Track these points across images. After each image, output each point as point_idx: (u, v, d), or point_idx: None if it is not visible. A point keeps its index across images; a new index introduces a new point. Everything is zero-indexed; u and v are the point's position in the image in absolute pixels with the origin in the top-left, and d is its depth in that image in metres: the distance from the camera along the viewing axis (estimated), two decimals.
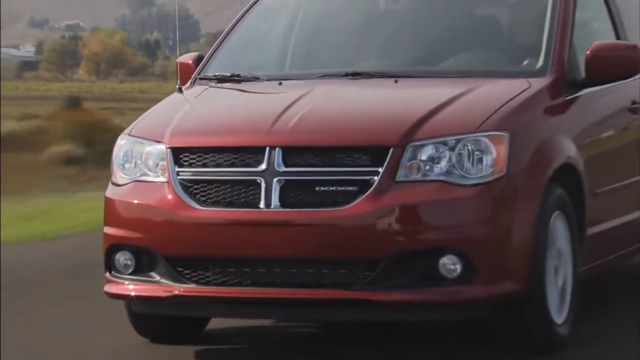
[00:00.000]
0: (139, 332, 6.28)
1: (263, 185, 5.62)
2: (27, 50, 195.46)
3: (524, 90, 5.99)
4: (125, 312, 6.19)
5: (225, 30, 7.01)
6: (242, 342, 6.41)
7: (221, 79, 6.60)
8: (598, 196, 6.30)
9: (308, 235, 5.55)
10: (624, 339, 6.19)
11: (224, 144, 5.76)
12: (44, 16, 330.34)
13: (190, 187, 5.75)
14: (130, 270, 5.89)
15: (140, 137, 6.01)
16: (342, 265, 5.55)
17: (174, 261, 5.75)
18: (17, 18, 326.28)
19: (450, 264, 5.51)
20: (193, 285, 5.72)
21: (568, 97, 6.21)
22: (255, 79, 6.57)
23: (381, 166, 5.54)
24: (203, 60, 6.80)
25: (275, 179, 5.61)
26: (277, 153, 5.62)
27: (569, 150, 6.01)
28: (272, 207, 5.60)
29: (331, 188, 5.57)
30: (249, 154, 5.69)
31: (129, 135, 6.07)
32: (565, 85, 6.21)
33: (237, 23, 7.02)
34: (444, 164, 5.57)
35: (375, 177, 5.53)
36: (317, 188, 5.58)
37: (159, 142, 5.90)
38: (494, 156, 5.59)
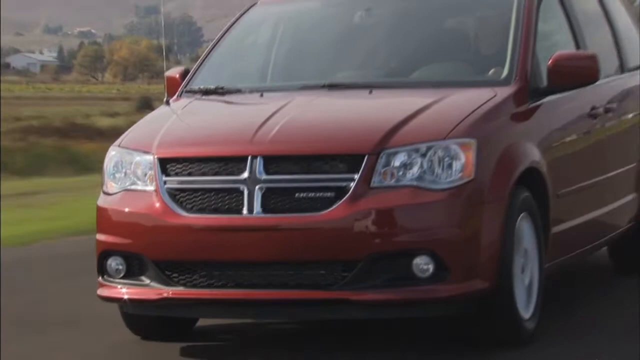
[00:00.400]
0: (131, 330, 6.13)
1: (246, 192, 5.47)
2: (50, 55, 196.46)
3: (490, 99, 5.84)
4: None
5: (210, 46, 6.88)
6: (227, 339, 6.25)
7: (206, 92, 6.44)
8: (561, 197, 6.16)
9: (288, 239, 5.41)
10: (589, 333, 6.05)
11: (209, 154, 5.61)
12: (58, 23, 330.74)
13: (177, 195, 5.60)
14: (121, 275, 5.74)
15: (130, 148, 5.86)
16: (321, 267, 5.41)
17: (163, 265, 5.61)
18: (34, 25, 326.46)
19: (423, 264, 5.36)
20: (181, 288, 5.57)
21: (532, 105, 6.06)
22: (238, 91, 6.42)
23: (357, 173, 5.39)
24: (189, 74, 6.66)
25: (257, 187, 5.46)
26: (259, 162, 5.47)
27: (533, 154, 5.87)
28: (254, 213, 5.45)
29: (310, 194, 5.42)
30: (232, 163, 5.54)
31: (119, 146, 5.92)
32: (528, 93, 6.06)
33: (220, 39, 6.87)
34: (415, 169, 5.43)
35: (351, 184, 5.38)
36: (296, 194, 5.44)
37: (147, 152, 5.75)
38: (462, 162, 5.45)
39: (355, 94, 6.13)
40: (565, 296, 6.85)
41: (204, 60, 6.74)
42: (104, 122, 34.08)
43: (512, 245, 5.59)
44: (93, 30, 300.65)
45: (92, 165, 18.92)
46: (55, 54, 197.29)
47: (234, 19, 6.96)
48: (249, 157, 5.48)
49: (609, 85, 7.01)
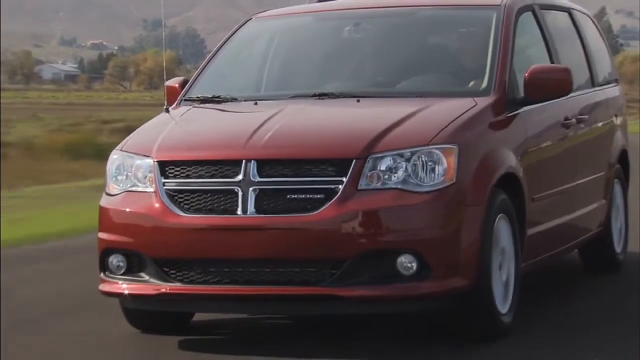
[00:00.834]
0: (132, 323, 5.99)
1: (240, 194, 5.34)
2: (71, 66, 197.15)
3: (470, 108, 5.72)
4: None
5: (207, 58, 6.76)
6: (222, 333, 6.11)
7: (203, 100, 6.31)
8: (536, 201, 6.05)
9: (280, 238, 5.29)
10: (562, 327, 5.93)
11: (205, 158, 5.49)
12: (72, 36, 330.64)
13: (175, 196, 5.47)
14: (122, 271, 5.62)
15: (131, 152, 5.73)
16: (310, 265, 5.29)
17: (161, 262, 5.48)
18: (50, 37, 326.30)
19: (407, 263, 5.25)
20: (178, 284, 5.45)
21: (509, 114, 5.94)
22: (234, 99, 6.28)
23: (345, 176, 5.27)
24: (188, 84, 6.53)
25: (250, 189, 5.33)
26: (253, 165, 5.35)
27: (511, 160, 5.75)
28: (248, 213, 5.32)
29: (301, 196, 5.30)
30: (227, 166, 5.41)
31: (120, 150, 5.81)
32: (506, 103, 5.93)
33: (218, 50, 6.74)
34: (400, 173, 5.31)
35: (340, 186, 5.27)
36: (288, 196, 5.32)
37: (147, 156, 5.62)
38: (445, 166, 5.34)
39: (344, 103, 6.00)
40: (538, 293, 6.72)
41: (202, 70, 6.62)
42: None
43: (491, 245, 5.48)
44: (105, 42, 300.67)
45: None
46: (75, 65, 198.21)
47: (230, 32, 6.84)
48: (243, 161, 5.37)
49: (580, 97, 6.90)
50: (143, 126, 6.13)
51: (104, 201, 5.74)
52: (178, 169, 5.50)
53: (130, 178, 5.64)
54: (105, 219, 5.68)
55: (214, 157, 5.46)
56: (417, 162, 5.32)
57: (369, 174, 5.29)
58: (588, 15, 7.77)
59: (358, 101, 5.96)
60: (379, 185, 5.29)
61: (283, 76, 6.61)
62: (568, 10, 7.37)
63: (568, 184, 6.58)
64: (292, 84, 6.46)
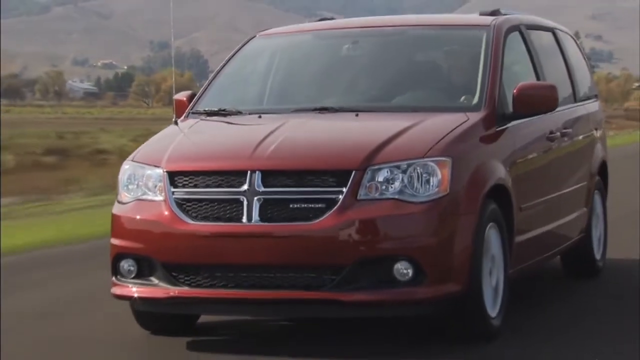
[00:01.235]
0: (141, 325, 5.83)
1: (245, 203, 5.20)
2: (88, 83, 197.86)
3: (462, 123, 5.58)
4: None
5: (213, 73, 6.59)
6: (228, 334, 5.94)
7: (210, 113, 6.16)
8: (523, 210, 5.91)
9: (283, 245, 5.14)
10: (549, 330, 5.80)
11: (212, 168, 5.35)
12: (84, 57, 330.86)
13: (183, 205, 5.33)
14: (133, 275, 5.47)
15: (142, 163, 5.58)
16: (312, 270, 5.15)
17: (170, 267, 5.34)
18: (64, 58, 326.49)
19: (403, 269, 5.11)
20: (186, 288, 5.31)
21: (499, 128, 5.80)
22: (239, 112, 6.13)
23: (345, 186, 5.14)
24: (195, 98, 6.38)
25: (255, 198, 5.19)
26: (257, 176, 5.21)
27: (500, 172, 5.61)
28: (252, 221, 5.18)
29: (303, 205, 5.16)
30: (233, 176, 5.27)
31: (132, 161, 5.66)
32: (496, 118, 5.80)
33: (223, 67, 6.59)
34: (397, 184, 5.17)
35: (340, 196, 5.13)
36: (291, 205, 5.17)
37: (157, 166, 5.47)
38: (439, 178, 5.20)
39: (343, 117, 5.84)
40: (523, 298, 6.57)
41: (209, 85, 6.47)
42: None
43: (482, 252, 5.35)
44: (114, 62, 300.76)
45: None
46: (92, 83, 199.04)
47: (235, 49, 6.70)
48: (249, 172, 5.23)
49: (564, 112, 6.77)
50: (153, 138, 5.97)
51: (116, 209, 5.59)
52: (186, 178, 5.36)
53: (141, 187, 5.49)
54: (117, 226, 5.54)
55: (220, 167, 5.32)
56: (413, 173, 5.19)
57: (367, 184, 5.15)
58: (570, 35, 7.67)
59: (356, 115, 5.81)
60: (377, 195, 5.15)
61: (285, 91, 6.46)
62: (552, 30, 7.26)
63: (553, 193, 6.45)
64: (294, 99, 6.31)
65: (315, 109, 5.90)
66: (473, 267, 5.25)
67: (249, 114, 6.08)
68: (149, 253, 5.36)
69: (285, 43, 6.80)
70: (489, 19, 6.35)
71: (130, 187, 5.55)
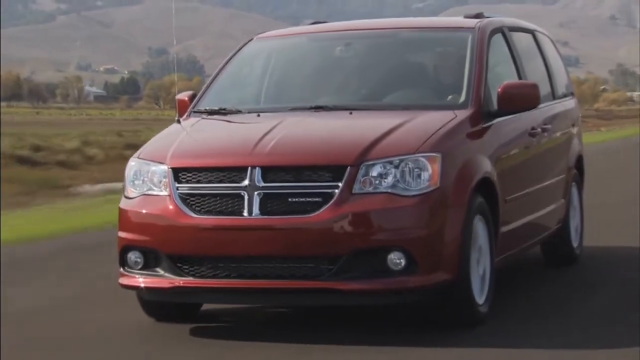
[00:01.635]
0: (147, 313, 5.70)
1: (246, 197, 5.07)
2: (95, 87, 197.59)
3: (451, 120, 5.46)
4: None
5: (214, 74, 6.45)
6: (230, 321, 5.81)
7: (211, 112, 6.01)
8: (508, 202, 5.79)
9: (283, 237, 5.02)
10: (525, 311, 5.74)
11: (215, 165, 5.21)
12: (87, 62, 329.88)
13: (187, 199, 5.19)
14: (139, 266, 5.33)
15: (147, 160, 5.44)
16: (310, 261, 5.03)
17: (175, 259, 5.20)
18: (69, 63, 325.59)
19: (396, 259, 5.00)
20: (190, 278, 5.18)
21: (485, 125, 5.67)
22: (238, 111, 5.99)
23: (341, 181, 5.02)
24: (196, 98, 6.23)
25: (255, 192, 5.07)
26: (257, 171, 5.09)
27: (486, 166, 5.50)
28: (253, 214, 5.05)
29: (301, 199, 5.04)
30: (235, 172, 5.14)
31: (138, 158, 5.52)
32: (482, 115, 5.67)
33: (222, 68, 6.44)
34: (390, 179, 5.06)
35: (336, 190, 5.01)
36: (289, 199, 5.05)
37: (162, 163, 5.34)
38: (430, 172, 5.08)
39: (338, 115, 5.71)
40: (507, 285, 6.46)
41: (209, 85, 6.33)
42: None
43: (470, 242, 5.23)
44: (116, 67, 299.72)
45: None
46: (98, 87, 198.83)
47: (234, 51, 6.55)
48: (249, 168, 5.10)
49: (544, 109, 6.65)
50: (157, 136, 5.83)
51: (123, 204, 5.45)
52: (190, 174, 5.23)
53: (147, 183, 5.36)
54: (124, 220, 5.40)
55: (222, 164, 5.19)
56: (405, 168, 5.07)
57: (362, 179, 5.03)
58: (547, 36, 7.57)
59: (350, 113, 5.68)
60: (371, 189, 5.03)
61: (281, 90, 6.32)
62: (531, 32, 7.15)
63: (534, 186, 6.34)
64: (290, 98, 6.16)
65: (310, 108, 5.76)
66: (462, 257, 5.14)
67: (248, 112, 5.94)
68: (154, 245, 5.23)
69: (281, 45, 6.66)
70: (473, 22, 6.24)
71: (136, 182, 5.41)
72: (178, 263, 5.19)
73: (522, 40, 6.79)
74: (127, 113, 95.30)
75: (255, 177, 5.07)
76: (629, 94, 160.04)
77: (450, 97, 5.78)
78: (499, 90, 5.79)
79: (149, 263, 5.29)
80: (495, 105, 5.80)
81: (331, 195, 5.00)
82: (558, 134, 6.98)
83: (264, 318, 5.83)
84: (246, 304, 5.79)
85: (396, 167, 5.07)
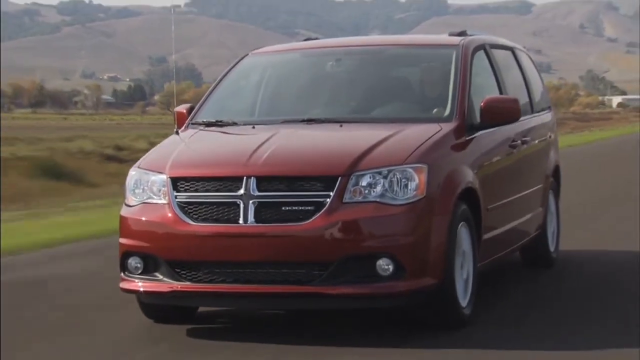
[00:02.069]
0: (146, 315, 5.59)
1: (242, 205, 4.98)
2: (104, 95, 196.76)
3: (436, 132, 5.38)
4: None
5: (210, 88, 6.34)
6: (225, 323, 5.70)
7: (208, 124, 5.91)
8: (490, 210, 5.71)
9: (276, 244, 4.92)
10: (512, 315, 5.63)
11: (211, 174, 5.11)
12: (91, 70, 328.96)
13: (185, 207, 5.10)
14: (139, 271, 5.23)
15: (147, 169, 5.34)
16: (302, 267, 4.93)
17: (173, 264, 5.11)
18: (74, 72, 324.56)
19: (384, 265, 4.92)
20: (188, 283, 5.08)
21: (468, 137, 5.59)
22: (234, 123, 5.89)
23: (332, 191, 4.93)
24: (194, 110, 6.12)
25: (251, 201, 4.97)
26: (252, 181, 4.99)
27: (470, 176, 5.41)
28: (248, 222, 4.96)
29: (294, 207, 4.94)
30: (231, 182, 5.04)
31: (138, 167, 5.42)
32: (466, 128, 5.59)
33: (219, 82, 6.34)
34: (379, 188, 4.97)
35: (328, 199, 4.92)
36: (283, 208, 4.95)
37: (161, 172, 5.24)
38: (416, 182, 5.00)
39: (329, 127, 5.61)
40: (489, 287, 6.38)
41: (206, 98, 6.22)
42: None
43: (454, 248, 5.15)
44: (119, 76, 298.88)
45: None
46: (106, 94, 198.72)
47: (230, 66, 6.45)
48: (244, 177, 5.00)
49: (523, 122, 6.56)
50: (157, 146, 5.73)
51: (124, 211, 5.34)
52: (188, 183, 5.13)
53: (147, 191, 5.26)
54: (124, 227, 5.29)
55: (219, 174, 5.09)
56: (393, 179, 4.98)
57: (352, 189, 4.94)
58: (526, 53, 7.49)
59: (341, 126, 5.59)
60: (360, 198, 4.94)
61: (275, 103, 6.22)
62: (511, 49, 7.08)
63: (514, 195, 6.26)
64: (283, 110, 6.06)
65: (303, 120, 5.67)
66: (447, 262, 5.06)
67: (244, 124, 5.85)
68: (154, 251, 5.13)
69: (275, 60, 6.56)
70: (457, 39, 6.17)
71: (136, 191, 5.31)
72: (176, 268, 5.09)
73: (502, 57, 6.72)
74: (146, 118, 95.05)
75: (251, 187, 4.98)
76: (600, 98, 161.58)
77: (435, 110, 5.70)
78: (482, 104, 5.71)
79: (149, 268, 5.18)
80: (478, 119, 5.73)
81: (323, 204, 4.91)
82: (536, 146, 6.90)
83: (258, 321, 5.70)
84: (241, 308, 5.68)
85: (385, 177, 4.98)
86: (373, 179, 4.98)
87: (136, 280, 5.22)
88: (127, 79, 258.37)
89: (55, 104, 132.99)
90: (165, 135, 6.73)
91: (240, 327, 5.55)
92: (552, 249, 7.30)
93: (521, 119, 6.41)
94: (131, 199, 5.33)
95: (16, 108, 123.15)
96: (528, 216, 6.61)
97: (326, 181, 4.94)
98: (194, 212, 5.06)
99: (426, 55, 6.30)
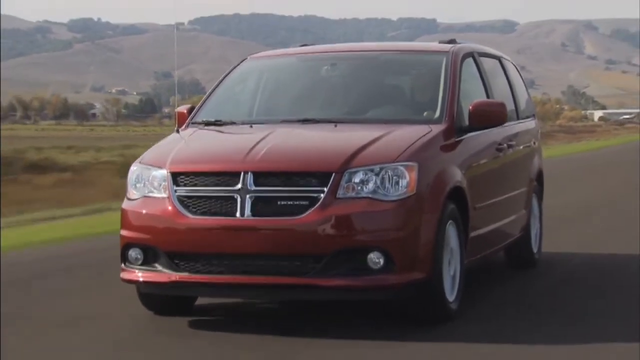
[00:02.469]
0: (146, 306, 5.48)
1: (239, 200, 4.89)
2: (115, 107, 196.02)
3: (427, 133, 5.30)
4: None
5: (210, 89, 6.25)
6: (222, 314, 5.60)
7: (207, 123, 5.82)
8: (477, 209, 5.63)
9: (272, 237, 4.83)
10: (496, 311, 5.55)
11: (210, 170, 5.02)
12: (101, 84, 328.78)
13: (184, 201, 5.00)
14: (139, 262, 5.13)
15: (148, 165, 5.25)
16: (296, 259, 4.84)
17: (172, 255, 5.01)
18: (84, 85, 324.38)
19: (375, 259, 4.83)
20: (186, 274, 4.98)
21: (457, 139, 5.51)
22: (232, 123, 5.80)
23: (326, 187, 4.85)
24: (194, 110, 6.04)
25: (248, 195, 4.88)
26: (249, 176, 4.91)
27: (458, 176, 5.33)
28: (245, 216, 4.87)
29: (289, 202, 4.86)
30: (228, 177, 4.95)
31: (139, 163, 5.33)
32: (455, 130, 5.51)
33: (219, 84, 6.25)
34: (371, 185, 4.88)
35: (322, 195, 4.84)
36: (278, 202, 4.87)
37: (161, 168, 5.15)
38: (407, 180, 4.92)
39: (324, 127, 5.53)
40: (474, 285, 6.29)
41: (206, 99, 6.13)
42: None
43: (442, 245, 5.06)
44: (126, 89, 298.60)
45: None
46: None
47: (229, 69, 6.37)
48: (242, 173, 4.92)
49: (509, 127, 6.49)
50: (158, 144, 5.63)
51: (125, 204, 5.24)
52: (187, 178, 5.04)
53: (147, 186, 5.16)
54: (126, 219, 5.19)
55: (217, 169, 5.00)
56: (385, 176, 4.90)
57: (345, 185, 4.86)
58: (512, 62, 7.43)
59: (335, 126, 5.51)
60: (353, 194, 4.85)
61: (272, 105, 6.12)
62: (498, 58, 7.01)
63: (500, 196, 6.18)
64: (280, 111, 5.97)
65: (299, 120, 5.59)
66: (435, 258, 4.98)
67: (242, 124, 5.76)
68: (153, 243, 5.03)
69: (273, 64, 6.49)
70: (447, 47, 6.10)
71: (137, 185, 5.22)
72: (175, 260, 5.00)
73: (490, 65, 6.66)
74: (165, 129, 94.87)
75: (248, 182, 4.89)
76: (583, 112, 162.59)
77: (426, 113, 5.62)
78: (471, 107, 5.64)
79: (148, 259, 5.09)
80: (466, 121, 5.65)
81: (317, 199, 4.82)
82: (521, 150, 6.82)
83: (254, 311, 5.61)
84: (237, 298, 5.58)
85: (377, 174, 4.90)
86: (365, 175, 4.90)
87: (136, 271, 5.12)
88: (135, 93, 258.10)
89: (78, 116, 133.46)
90: None
91: (236, 317, 5.45)
92: (534, 250, 7.21)
93: (507, 124, 6.35)
94: (132, 193, 5.24)
95: (41, 120, 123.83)
96: (513, 217, 6.53)
97: (320, 177, 4.86)
98: (193, 206, 4.97)
99: (417, 61, 6.23)
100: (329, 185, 4.84)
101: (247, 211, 4.85)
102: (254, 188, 4.88)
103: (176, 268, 4.99)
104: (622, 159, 24.35)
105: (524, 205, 6.87)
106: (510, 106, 6.77)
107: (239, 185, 4.90)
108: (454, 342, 4.76)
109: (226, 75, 6.31)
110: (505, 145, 6.30)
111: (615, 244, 8.23)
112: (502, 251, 6.83)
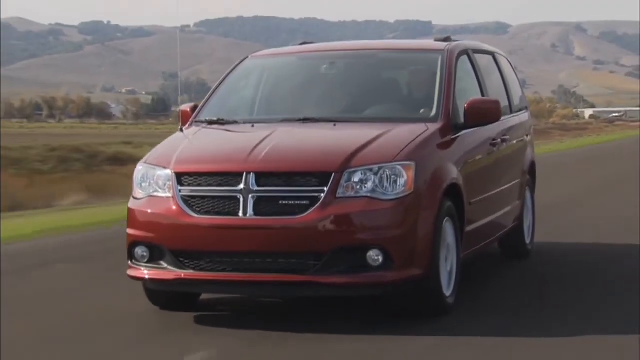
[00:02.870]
0: (151, 301, 5.35)
1: (241, 199, 4.75)
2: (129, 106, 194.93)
3: (423, 132, 5.15)
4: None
5: (212, 88, 6.10)
6: (226, 310, 5.46)
7: (210, 122, 5.68)
8: (472, 204, 5.49)
9: (274, 235, 4.70)
10: (485, 300, 5.43)
11: (213, 170, 4.89)
12: (111, 85, 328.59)
13: (189, 201, 4.87)
14: (145, 260, 5.00)
15: (153, 164, 5.11)
16: (297, 257, 4.71)
17: (177, 253, 4.88)
18: (96, 86, 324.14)
19: (374, 256, 4.70)
20: (191, 271, 4.85)
21: (453, 137, 5.36)
22: (234, 122, 5.65)
23: (326, 186, 4.71)
24: (197, 109, 5.88)
25: (250, 195, 4.75)
26: (252, 176, 4.77)
27: (454, 173, 5.18)
28: (248, 215, 4.74)
29: (290, 202, 4.72)
30: (231, 177, 4.82)
31: (145, 163, 5.18)
32: (451, 128, 5.37)
33: (220, 83, 6.10)
34: (370, 184, 4.75)
35: (322, 194, 4.70)
36: (280, 202, 4.73)
37: (166, 168, 5.01)
38: (405, 179, 4.78)
39: (323, 126, 5.38)
40: (469, 277, 6.16)
41: (209, 98, 5.98)
42: None
43: (440, 241, 4.93)
44: (136, 90, 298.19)
45: None
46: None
47: (231, 68, 6.20)
48: (244, 173, 4.78)
49: (503, 122, 6.32)
50: (162, 143, 5.47)
51: (131, 204, 5.10)
52: (192, 178, 4.90)
53: (153, 185, 5.02)
54: (132, 218, 5.05)
55: (220, 169, 4.86)
56: (383, 175, 4.76)
57: (345, 184, 4.72)
58: (505, 57, 7.28)
59: (334, 125, 5.36)
60: (352, 194, 4.72)
61: (272, 103, 5.97)
62: (492, 54, 6.85)
63: (494, 190, 6.04)
64: (280, 110, 5.82)
65: (299, 119, 5.44)
66: (433, 254, 4.84)
67: (243, 123, 5.61)
68: (159, 241, 4.90)
69: (273, 63, 6.33)
70: (443, 45, 5.95)
71: (143, 185, 5.08)
72: (180, 257, 4.87)
73: (484, 61, 6.51)
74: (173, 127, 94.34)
75: (250, 182, 4.76)
76: (574, 110, 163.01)
77: (422, 111, 5.47)
78: (466, 105, 5.49)
79: (154, 257, 4.96)
80: (462, 119, 5.50)
81: (317, 198, 4.69)
82: (514, 144, 6.68)
83: (257, 307, 5.47)
84: (240, 295, 5.46)
85: (375, 173, 4.76)
86: (364, 175, 4.76)
87: (142, 268, 4.99)
88: (144, 92, 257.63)
89: (99, 115, 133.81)
90: None
91: (238, 313, 5.31)
92: (527, 240, 7.09)
93: (502, 119, 6.22)
94: (138, 192, 5.10)
95: (66, 118, 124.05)
96: (507, 209, 6.40)
97: (321, 177, 4.73)
98: (197, 205, 4.83)
99: (414, 59, 6.09)
100: (329, 185, 4.70)
101: (250, 211, 4.72)
102: (256, 188, 4.75)
103: (181, 266, 4.86)
104: (633, 149, 26.54)
105: (517, 196, 6.74)
106: (503, 101, 6.64)
107: (242, 186, 4.76)
108: (452, 335, 4.63)
109: (228, 74, 6.15)
110: (499, 140, 6.16)
111: None
112: (496, 242, 6.72)
